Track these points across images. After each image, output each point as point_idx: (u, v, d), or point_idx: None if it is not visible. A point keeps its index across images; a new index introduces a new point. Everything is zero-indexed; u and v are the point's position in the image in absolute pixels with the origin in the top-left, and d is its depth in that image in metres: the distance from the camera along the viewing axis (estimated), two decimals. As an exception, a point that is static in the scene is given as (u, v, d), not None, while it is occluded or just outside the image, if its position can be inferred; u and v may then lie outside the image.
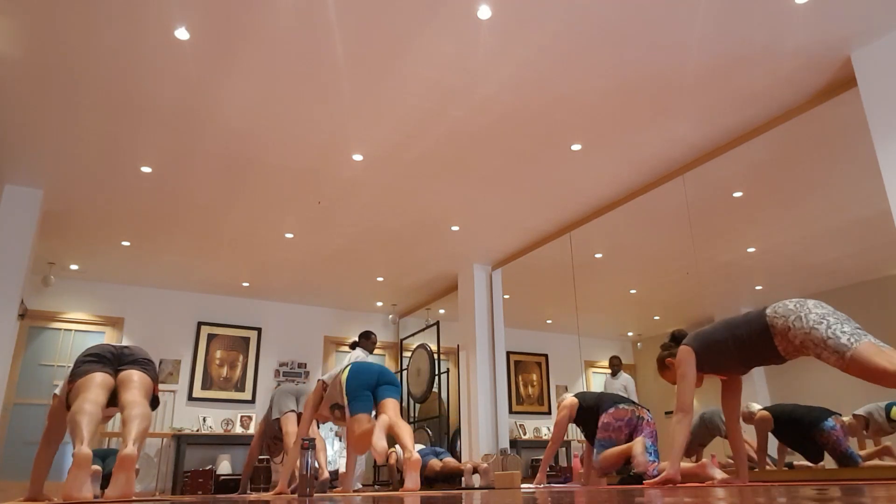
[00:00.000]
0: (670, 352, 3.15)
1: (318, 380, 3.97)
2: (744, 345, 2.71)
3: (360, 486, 6.29)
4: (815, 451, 3.72)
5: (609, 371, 6.61)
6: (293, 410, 4.70)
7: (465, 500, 1.99)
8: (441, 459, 5.39)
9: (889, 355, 2.25)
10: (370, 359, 6.35)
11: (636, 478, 3.90)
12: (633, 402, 3.86)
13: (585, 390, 4.30)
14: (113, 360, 2.97)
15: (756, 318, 2.68)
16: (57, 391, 3.13)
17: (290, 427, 4.56)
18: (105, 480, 4.90)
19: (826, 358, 2.38)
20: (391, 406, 3.62)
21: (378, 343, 8.89)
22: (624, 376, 6.61)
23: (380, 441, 3.30)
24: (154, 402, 2.95)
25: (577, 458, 4.50)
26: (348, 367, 3.73)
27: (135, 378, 2.88)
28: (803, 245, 6.36)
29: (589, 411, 3.95)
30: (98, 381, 2.81)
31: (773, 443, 4.12)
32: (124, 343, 7.17)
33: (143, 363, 3.01)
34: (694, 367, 2.87)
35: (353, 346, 6.20)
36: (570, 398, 4.08)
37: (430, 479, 5.35)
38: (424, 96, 3.92)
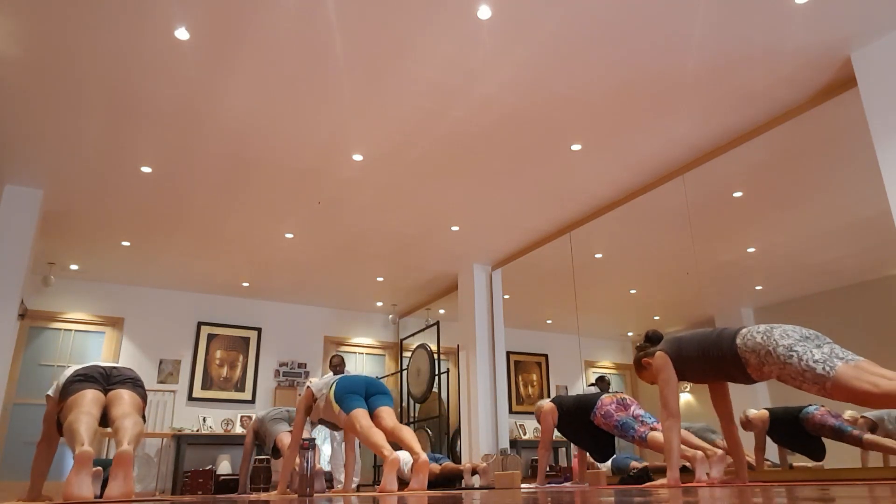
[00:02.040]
0: (646, 352, 3.16)
1: (307, 385, 4.08)
2: (717, 367, 2.73)
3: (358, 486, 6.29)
4: (812, 444, 3.72)
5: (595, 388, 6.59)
6: (287, 431, 4.82)
7: (466, 500, 1.99)
8: (440, 464, 5.40)
9: (867, 375, 2.21)
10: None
11: (636, 478, 3.90)
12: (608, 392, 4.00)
13: (559, 395, 4.35)
14: (102, 379, 3.03)
15: (727, 347, 2.66)
16: (50, 392, 3.14)
17: (287, 440, 4.65)
18: (104, 486, 4.91)
19: (807, 389, 2.36)
20: (387, 413, 3.70)
21: (378, 343, 8.89)
22: None
23: (379, 438, 3.37)
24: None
25: (577, 458, 4.51)
26: (335, 383, 3.83)
27: (125, 396, 2.96)
28: (803, 245, 6.35)
29: (571, 414, 3.99)
30: (90, 398, 2.87)
31: (774, 446, 4.12)
32: (124, 342, 7.18)
33: (133, 383, 3.08)
34: (674, 372, 2.88)
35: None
36: (547, 404, 4.14)
37: (429, 483, 5.35)
38: (424, 96, 3.92)
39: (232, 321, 7.91)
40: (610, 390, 6.28)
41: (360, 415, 3.58)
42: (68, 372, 3.06)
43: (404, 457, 5.11)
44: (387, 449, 3.26)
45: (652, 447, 3.55)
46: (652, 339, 3.21)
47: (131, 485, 2.49)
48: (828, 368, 2.29)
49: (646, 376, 3.16)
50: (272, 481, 5.55)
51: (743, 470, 2.92)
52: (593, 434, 3.91)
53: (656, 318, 9.35)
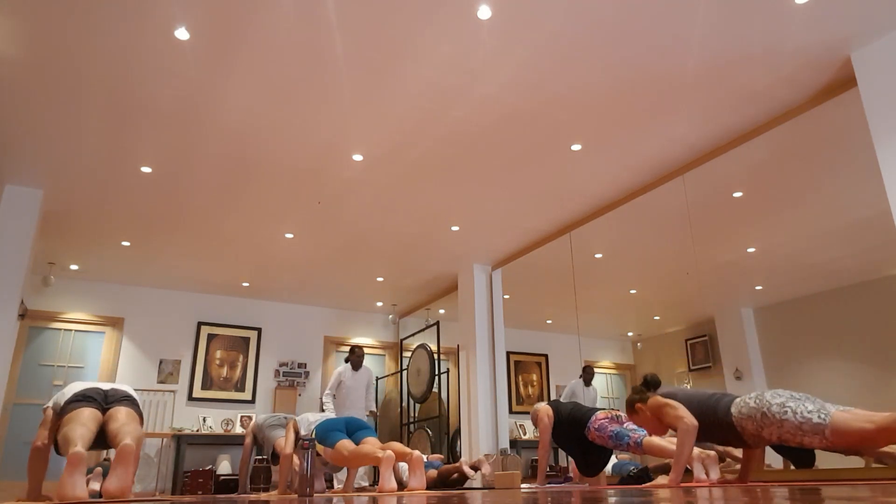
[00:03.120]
0: (641, 397, 3.13)
1: (293, 419, 4.32)
2: (713, 433, 2.80)
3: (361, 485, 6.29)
4: (801, 454, 3.72)
5: (582, 378, 6.63)
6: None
7: (465, 500, 1.99)
8: (436, 469, 5.40)
9: (862, 415, 2.29)
10: (357, 375, 6.65)
11: (636, 478, 3.90)
12: (603, 408, 4.08)
13: (556, 399, 4.37)
14: (100, 399, 3.11)
15: (723, 416, 2.72)
16: (49, 404, 3.18)
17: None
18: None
19: (808, 442, 2.41)
20: (373, 441, 3.85)
21: (378, 343, 8.89)
22: (594, 387, 6.70)
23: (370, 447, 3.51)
24: None
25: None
26: (314, 430, 4.01)
27: (122, 411, 3.03)
28: (803, 245, 6.35)
29: (565, 424, 4.02)
30: (87, 414, 2.95)
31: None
32: (124, 342, 7.18)
33: (130, 400, 3.17)
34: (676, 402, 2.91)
35: (347, 360, 6.68)
36: (544, 406, 4.17)
37: (427, 488, 5.35)
38: (424, 96, 3.92)
39: (232, 321, 7.90)
40: (593, 382, 6.35)
41: (345, 443, 3.72)
42: (68, 391, 3.14)
43: (402, 467, 5.15)
44: (379, 452, 3.33)
45: (648, 451, 3.54)
46: (650, 383, 3.22)
47: (129, 480, 2.49)
48: (823, 415, 2.38)
49: (635, 419, 3.14)
50: (272, 481, 5.55)
51: (747, 472, 2.92)
52: (584, 449, 3.92)
53: (656, 318, 9.36)
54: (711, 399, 2.81)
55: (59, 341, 6.97)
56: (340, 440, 3.74)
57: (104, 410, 3.05)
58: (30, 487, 3.14)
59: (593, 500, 1.65)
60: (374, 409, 6.94)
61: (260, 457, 4.94)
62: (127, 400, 3.15)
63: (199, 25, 3.26)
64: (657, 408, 2.93)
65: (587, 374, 6.58)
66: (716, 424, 2.74)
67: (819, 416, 2.37)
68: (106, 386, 3.21)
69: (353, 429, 3.97)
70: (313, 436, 3.89)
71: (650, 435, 3.02)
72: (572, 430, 3.94)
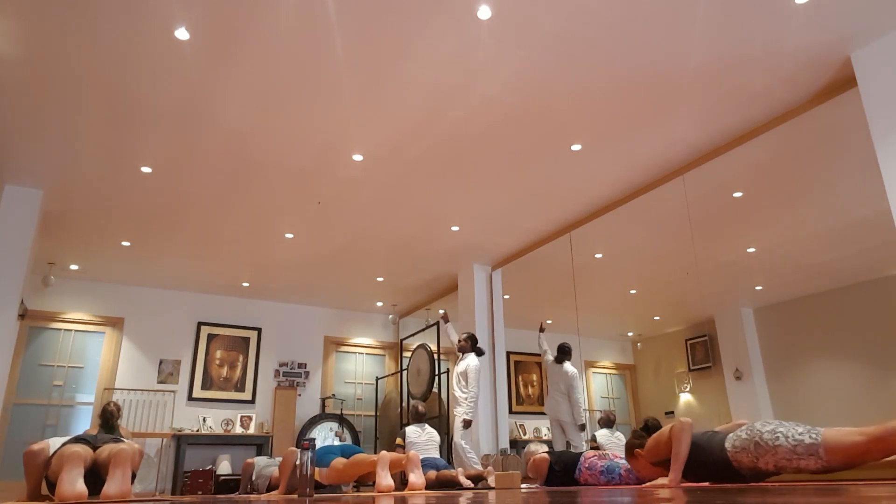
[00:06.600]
0: (641, 442, 3.11)
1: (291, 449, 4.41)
2: (709, 471, 2.78)
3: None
4: None
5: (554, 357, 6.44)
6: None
7: (464, 500, 1.99)
8: (439, 471, 5.39)
9: (851, 430, 2.31)
10: (477, 361, 5.69)
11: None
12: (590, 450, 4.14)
13: (555, 450, 4.42)
14: (91, 440, 3.15)
15: (718, 454, 2.71)
16: (42, 446, 3.20)
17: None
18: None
19: (805, 465, 2.40)
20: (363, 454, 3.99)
21: (378, 343, 8.89)
22: (570, 368, 6.32)
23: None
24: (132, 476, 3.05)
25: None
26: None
27: (112, 444, 3.04)
28: (803, 245, 6.36)
29: (556, 473, 4.07)
30: (78, 447, 2.96)
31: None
32: (124, 342, 7.18)
33: (119, 440, 3.20)
34: None
35: (475, 351, 5.72)
36: (539, 454, 4.20)
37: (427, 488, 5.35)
38: (424, 96, 3.92)
39: (232, 321, 7.90)
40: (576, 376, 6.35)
41: (339, 460, 3.86)
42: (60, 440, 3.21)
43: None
44: (373, 456, 3.39)
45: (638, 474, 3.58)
46: (651, 428, 3.20)
47: (128, 483, 2.50)
48: (814, 435, 2.38)
49: (633, 464, 3.12)
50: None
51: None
52: None
53: (656, 318, 9.35)
54: (703, 437, 2.81)
55: (59, 341, 6.97)
56: (335, 460, 3.91)
57: (95, 449, 3.09)
58: (28, 487, 3.14)
59: (593, 499, 1.65)
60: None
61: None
62: (116, 440, 3.21)
63: (199, 25, 3.26)
64: (652, 445, 2.94)
65: (564, 353, 6.42)
66: (710, 462, 2.74)
67: (811, 437, 2.38)
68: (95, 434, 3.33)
69: (349, 452, 4.13)
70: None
71: (646, 479, 3.01)
72: (563, 478, 3.98)
